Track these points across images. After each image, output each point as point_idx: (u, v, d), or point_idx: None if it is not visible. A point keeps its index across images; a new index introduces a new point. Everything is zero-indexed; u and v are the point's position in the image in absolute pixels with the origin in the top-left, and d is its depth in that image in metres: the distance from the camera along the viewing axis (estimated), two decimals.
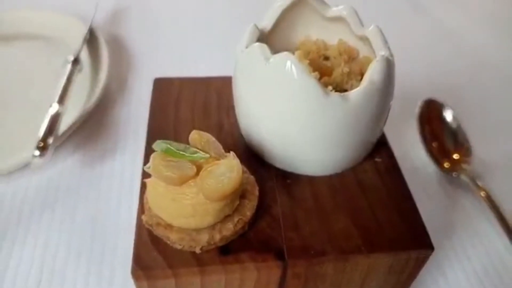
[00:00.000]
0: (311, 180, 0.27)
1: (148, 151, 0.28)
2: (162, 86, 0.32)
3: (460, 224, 0.43)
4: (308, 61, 0.24)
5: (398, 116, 0.52)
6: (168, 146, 0.22)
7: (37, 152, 0.39)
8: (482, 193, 0.43)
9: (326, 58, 0.30)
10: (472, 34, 0.67)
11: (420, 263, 0.25)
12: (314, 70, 0.27)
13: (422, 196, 0.45)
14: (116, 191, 0.43)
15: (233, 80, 0.28)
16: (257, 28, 0.27)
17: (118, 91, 0.53)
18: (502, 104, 0.56)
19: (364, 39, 0.28)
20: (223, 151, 0.24)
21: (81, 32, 0.54)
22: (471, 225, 0.43)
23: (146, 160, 0.28)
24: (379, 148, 0.29)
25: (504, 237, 0.42)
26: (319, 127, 0.25)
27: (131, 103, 0.52)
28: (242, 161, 0.27)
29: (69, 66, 0.48)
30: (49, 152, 0.40)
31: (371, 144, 0.28)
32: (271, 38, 0.29)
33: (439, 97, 0.55)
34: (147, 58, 0.58)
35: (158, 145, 0.23)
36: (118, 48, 0.59)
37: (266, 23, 0.28)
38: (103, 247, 0.38)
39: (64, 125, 0.44)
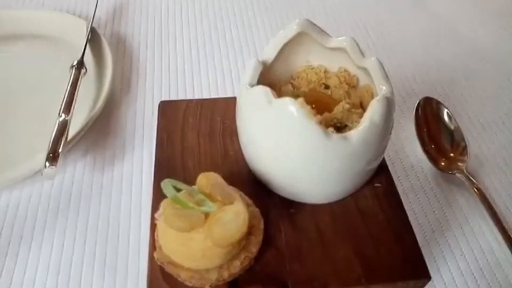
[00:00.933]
0: (313, 208, 0.28)
1: (157, 187, 0.29)
2: (167, 111, 0.33)
3: (455, 221, 0.45)
4: (309, 107, 0.25)
5: (396, 111, 0.53)
6: (176, 194, 0.23)
7: (48, 164, 0.41)
8: (476, 191, 0.45)
9: (327, 86, 0.30)
10: (471, 30, 0.66)
11: None
12: (314, 103, 0.28)
13: (418, 194, 0.47)
14: (127, 194, 0.44)
15: (237, 111, 0.29)
16: (259, 62, 0.28)
17: (122, 90, 0.53)
18: (500, 101, 0.56)
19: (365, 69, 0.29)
20: (230, 190, 0.25)
21: (82, 29, 0.54)
22: (466, 223, 0.45)
23: (155, 197, 0.29)
24: (379, 172, 0.30)
25: (497, 234, 0.43)
26: (322, 165, 0.26)
27: (136, 102, 0.52)
28: (247, 189, 0.28)
29: (73, 71, 0.49)
30: (60, 162, 0.41)
31: (371, 172, 0.29)
32: (273, 67, 0.30)
33: (438, 92, 0.55)
34: (150, 55, 0.58)
35: (167, 186, 0.24)
36: (120, 45, 0.59)
37: (268, 55, 0.29)
38: (116, 251, 0.40)
39: (72, 129, 0.44)
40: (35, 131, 0.46)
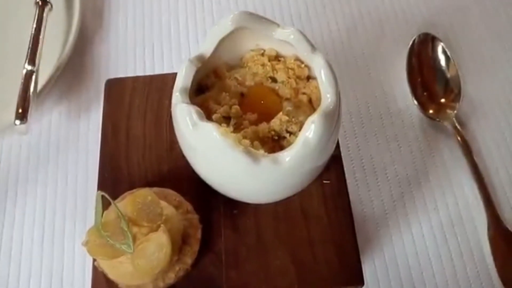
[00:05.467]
0: (256, 209, 0.28)
1: (101, 182, 0.29)
2: (113, 93, 0.31)
3: (435, 173, 0.44)
4: (234, 135, 0.23)
5: (391, 48, 0.48)
6: (99, 226, 0.23)
7: (18, 122, 0.41)
8: (461, 141, 0.43)
9: (274, 80, 0.27)
10: None
11: None
12: (261, 99, 0.26)
13: (401, 143, 0.45)
14: None
15: (172, 111, 0.27)
16: (192, 63, 0.25)
17: (95, 25, 0.50)
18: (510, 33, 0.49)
19: None
20: (161, 206, 0.25)
21: None
22: (446, 174, 0.44)
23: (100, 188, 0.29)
24: (330, 166, 0.29)
25: (475, 188, 0.42)
26: (253, 185, 0.25)
27: (110, 38, 0.50)
28: (190, 188, 0.28)
29: (37, 9, 0.45)
30: (30, 116, 0.41)
31: (319, 171, 0.28)
32: (217, 53, 0.27)
33: (442, 21, 0.49)
34: None
35: (97, 201, 0.25)
36: None
37: (204, 50, 0.26)
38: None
39: (42, 76, 0.43)
40: (6, 79, 0.45)
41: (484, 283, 0.40)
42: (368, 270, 0.40)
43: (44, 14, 0.45)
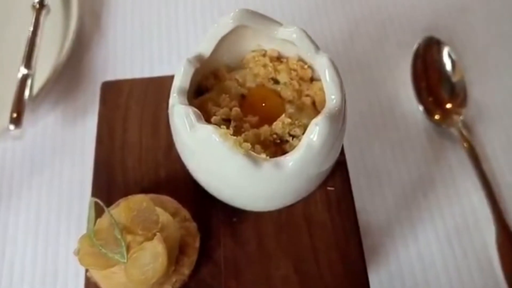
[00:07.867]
0: (257, 217, 0.27)
1: (96, 188, 0.28)
2: (109, 95, 0.30)
3: (442, 181, 0.43)
4: (234, 138, 0.22)
5: (395, 51, 0.47)
6: (91, 233, 0.22)
7: (12, 127, 0.40)
8: (467, 148, 0.41)
9: (276, 81, 0.26)
10: None
11: None
12: (263, 101, 0.25)
13: (406, 148, 0.44)
14: None
15: (169, 113, 0.26)
16: (191, 63, 0.24)
17: (92, 29, 0.49)
18: None
19: None
20: (157, 213, 0.24)
21: None
22: (452, 182, 0.43)
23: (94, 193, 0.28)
24: (335, 172, 0.28)
25: (482, 195, 0.41)
26: (254, 192, 0.24)
27: (108, 42, 0.49)
28: (188, 194, 0.27)
29: (34, 13, 0.45)
30: (25, 121, 0.40)
31: (324, 177, 0.27)
32: (217, 53, 0.26)
33: (446, 23, 0.48)
34: None
35: (90, 208, 0.24)
36: None
37: (204, 49, 0.25)
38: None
39: (39, 79, 0.42)
40: (1, 83, 0.44)
41: None
42: (373, 279, 0.39)
43: (41, 18, 0.44)
